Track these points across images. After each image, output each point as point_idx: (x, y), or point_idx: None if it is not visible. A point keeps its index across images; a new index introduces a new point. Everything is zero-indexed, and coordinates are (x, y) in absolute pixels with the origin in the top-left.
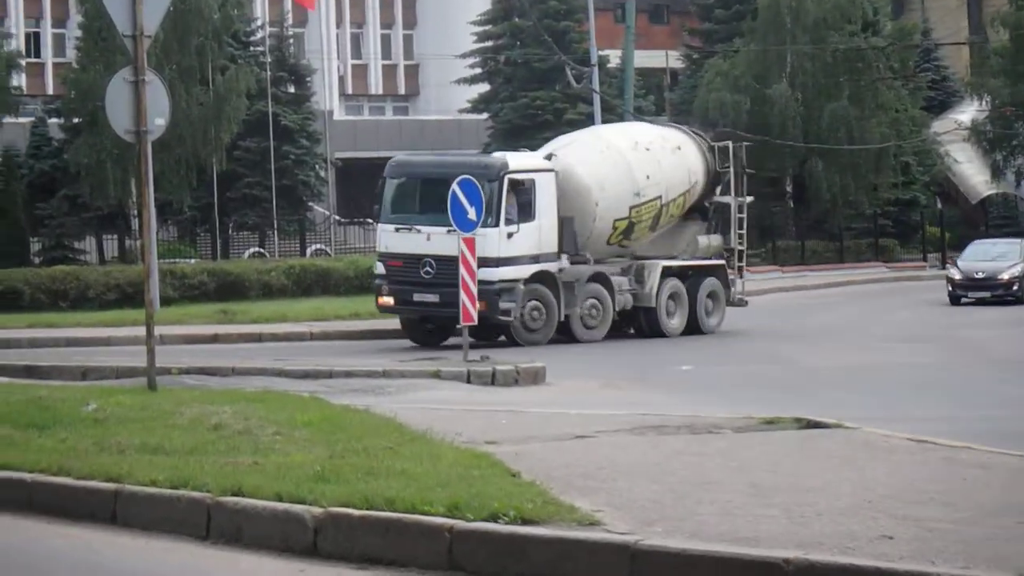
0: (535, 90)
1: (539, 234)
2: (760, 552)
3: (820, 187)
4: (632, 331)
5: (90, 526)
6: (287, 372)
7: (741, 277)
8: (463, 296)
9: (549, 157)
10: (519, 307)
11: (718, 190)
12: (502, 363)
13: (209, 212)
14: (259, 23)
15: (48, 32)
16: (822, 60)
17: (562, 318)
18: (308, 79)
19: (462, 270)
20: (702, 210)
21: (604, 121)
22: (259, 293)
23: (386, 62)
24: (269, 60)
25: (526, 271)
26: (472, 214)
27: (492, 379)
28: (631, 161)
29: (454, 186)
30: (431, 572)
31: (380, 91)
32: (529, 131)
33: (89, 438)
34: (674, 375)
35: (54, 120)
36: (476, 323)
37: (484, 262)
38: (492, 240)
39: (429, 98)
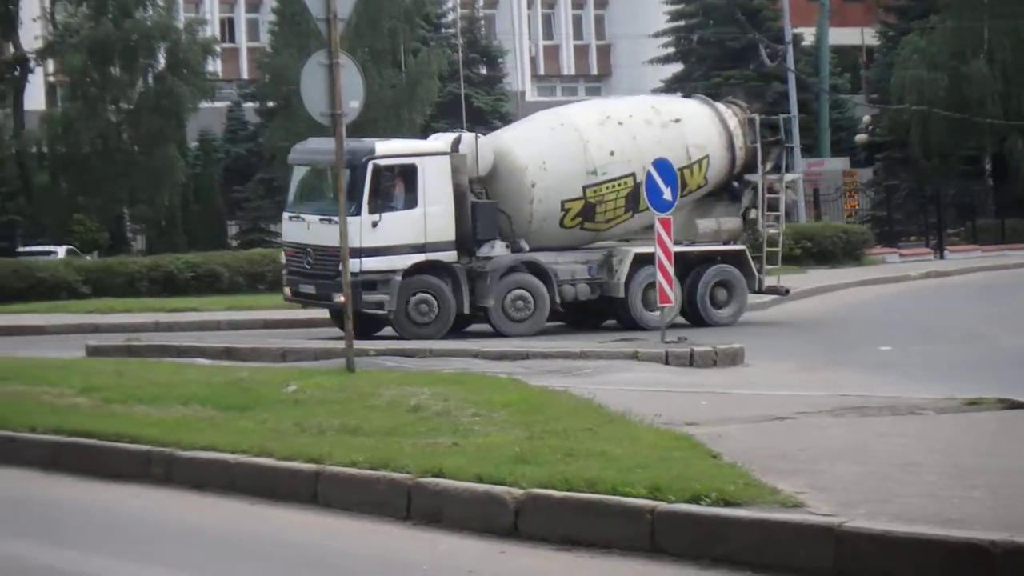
0: (728, 69)
1: (424, 222)
2: (966, 534)
3: (1020, 165)
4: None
5: (292, 507)
6: (484, 353)
7: (774, 264)
8: (659, 277)
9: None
10: (395, 300)
11: (768, 167)
12: (700, 344)
13: None
14: (450, 5)
15: (242, 17)
16: (1020, 36)
17: (466, 310)
18: (500, 60)
19: (658, 251)
20: (732, 190)
21: (799, 101)
22: None
23: (578, 42)
24: (461, 42)
25: (403, 262)
26: (667, 194)
27: (690, 360)
28: (589, 138)
29: (650, 167)
30: (632, 554)
31: (572, 71)
32: None
33: (289, 419)
34: (872, 356)
35: (249, 104)
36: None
37: (351, 253)
38: (353, 229)
39: (621, 78)
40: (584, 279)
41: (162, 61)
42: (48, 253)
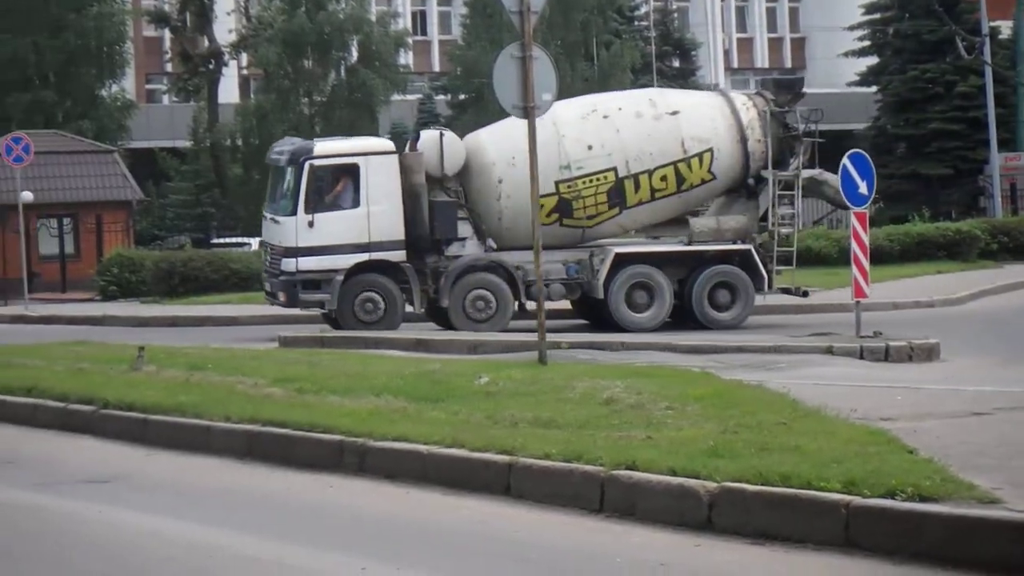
0: (925, 62)
1: (368, 222)
2: None
3: None
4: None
5: (484, 498)
6: (676, 347)
7: (789, 265)
8: (855, 271)
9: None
10: (335, 299)
11: (793, 162)
12: (895, 339)
13: None
14: None
15: (434, 10)
16: None
17: (417, 309)
18: (693, 53)
19: (853, 246)
20: (748, 186)
21: (996, 94)
22: None
23: (772, 35)
24: (654, 34)
25: (345, 261)
26: (863, 188)
27: (885, 355)
28: (566, 132)
29: (845, 160)
30: (826, 549)
31: (765, 64)
32: (918, 104)
33: (481, 411)
34: None
35: (440, 97)
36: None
37: (285, 252)
38: (289, 229)
39: (816, 71)
40: (559, 279)
41: (355, 54)
42: (242, 245)
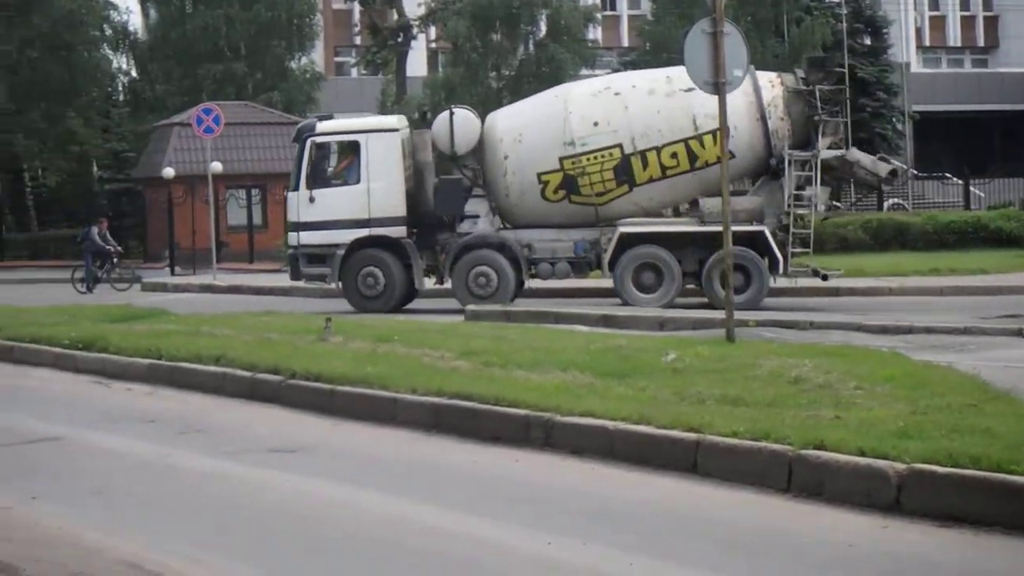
0: None
1: (368, 198)
2: None
3: None
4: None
5: (670, 475)
6: (865, 327)
7: (807, 248)
8: None
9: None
10: (336, 273)
11: (821, 143)
12: None
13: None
14: None
15: None
16: None
17: (418, 286)
18: (885, 31)
19: None
20: (770, 167)
21: None
22: (835, 246)
23: (964, 13)
24: (845, 12)
25: (345, 236)
26: None
27: None
28: (573, 109)
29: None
30: (1017, 533)
31: (958, 43)
32: None
33: (668, 388)
34: None
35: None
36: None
37: (290, 227)
38: (292, 204)
39: (1009, 49)
40: (567, 257)
41: (543, 28)
42: None
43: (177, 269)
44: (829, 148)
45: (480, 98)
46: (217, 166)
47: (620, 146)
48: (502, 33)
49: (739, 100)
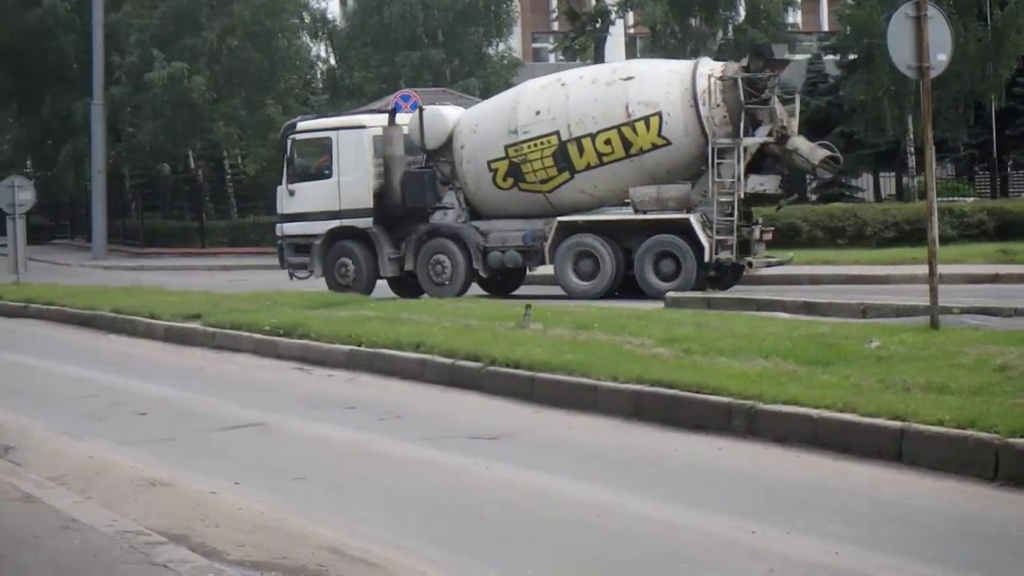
0: None
1: (338, 191)
2: None
3: None
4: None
5: (875, 463)
6: None
7: (731, 234)
8: None
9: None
10: (315, 262)
11: (760, 132)
12: None
13: (987, 150)
14: None
15: None
16: None
17: (386, 274)
18: None
19: None
20: (705, 154)
21: None
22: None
23: None
24: None
25: (320, 227)
26: None
27: None
28: (523, 100)
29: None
30: None
31: None
32: None
33: (872, 375)
34: None
35: (829, 57)
36: None
37: (277, 219)
38: (278, 197)
39: None
40: (516, 246)
41: (742, 12)
42: None
43: None
44: (770, 136)
45: None
46: None
47: (557, 133)
48: (700, 18)
49: (675, 86)
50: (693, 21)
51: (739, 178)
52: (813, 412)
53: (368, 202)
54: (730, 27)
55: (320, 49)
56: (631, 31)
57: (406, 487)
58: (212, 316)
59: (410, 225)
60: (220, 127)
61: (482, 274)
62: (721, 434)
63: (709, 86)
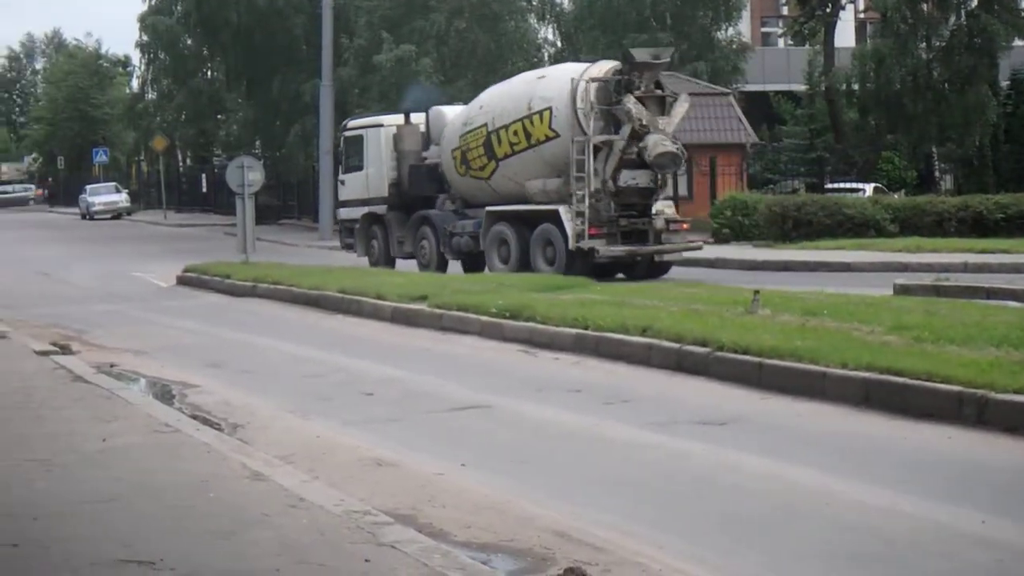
0: None
1: (367, 181)
2: None
3: None
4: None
5: None
6: None
7: (602, 226)
8: None
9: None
10: (357, 243)
11: (623, 131)
12: None
13: None
14: None
15: None
16: None
17: (395, 254)
18: None
19: None
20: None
21: None
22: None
23: None
24: None
25: (357, 213)
26: None
27: None
28: (480, 99)
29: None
30: None
31: None
32: None
33: None
34: None
35: None
36: None
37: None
38: (338, 187)
39: None
40: (469, 233)
41: None
42: (855, 190)
43: None
44: (631, 135)
45: (909, 69)
46: None
47: (486, 124)
48: (932, 3)
49: (563, 83)
50: (924, 6)
51: (594, 173)
52: None
53: (384, 191)
54: (963, 12)
55: (547, 32)
56: (862, 16)
57: (632, 471)
58: (438, 298)
59: (417, 212)
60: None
61: (448, 257)
62: (950, 423)
63: (586, 85)
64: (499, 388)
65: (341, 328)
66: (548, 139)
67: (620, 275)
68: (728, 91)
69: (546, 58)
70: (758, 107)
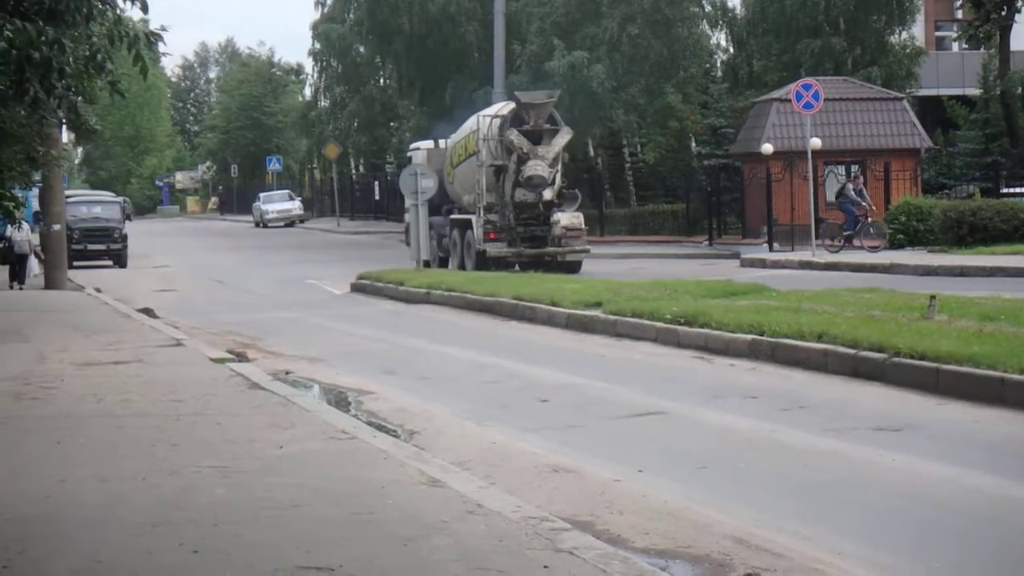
0: None
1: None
2: None
3: None
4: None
5: None
6: None
7: (501, 233)
8: None
9: None
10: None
11: (511, 156)
12: None
13: None
14: None
15: None
16: None
17: (424, 254)
18: None
19: None
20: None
21: None
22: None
23: None
24: None
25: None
26: None
27: None
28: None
29: None
30: None
31: None
32: None
33: None
34: None
35: None
36: None
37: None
38: None
39: None
40: (446, 234)
41: None
42: None
43: (775, 245)
44: (519, 161)
45: None
46: (816, 142)
47: (455, 139)
48: None
49: (488, 116)
50: None
51: (497, 189)
52: None
53: (434, 200)
54: None
55: (719, 37)
56: None
57: (810, 478)
58: (613, 304)
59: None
60: (619, 115)
61: (440, 254)
62: None
63: (489, 122)
64: (675, 394)
65: (516, 334)
66: (473, 155)
67: (516, 268)
68: (902, 96)
69: (718, 64)
70: (932, 112)
